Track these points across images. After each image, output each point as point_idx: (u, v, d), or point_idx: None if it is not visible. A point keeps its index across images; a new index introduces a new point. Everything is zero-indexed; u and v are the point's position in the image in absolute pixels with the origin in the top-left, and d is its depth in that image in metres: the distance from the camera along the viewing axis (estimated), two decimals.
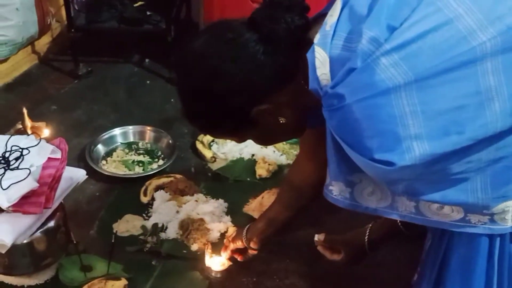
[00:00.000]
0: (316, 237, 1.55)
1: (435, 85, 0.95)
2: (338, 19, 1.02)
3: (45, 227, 1.65)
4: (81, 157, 2.22)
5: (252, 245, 1.66)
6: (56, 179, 1.64)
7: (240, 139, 1.25)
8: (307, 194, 1.53)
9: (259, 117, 1.14)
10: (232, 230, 1.87)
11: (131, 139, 2.33)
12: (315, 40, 1.02)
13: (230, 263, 1.75)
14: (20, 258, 1.66)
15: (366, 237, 1.48)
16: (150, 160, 2.23)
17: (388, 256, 1.71)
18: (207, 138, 2.29)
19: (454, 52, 0.94)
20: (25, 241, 1.62)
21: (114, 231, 1.84)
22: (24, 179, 1.58)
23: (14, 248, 1.60)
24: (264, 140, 1.27)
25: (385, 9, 0.97)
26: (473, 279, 1.15)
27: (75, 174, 1.76)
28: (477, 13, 0.95)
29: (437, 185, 1.05)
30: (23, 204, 1.56)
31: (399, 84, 0.94)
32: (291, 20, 1.09)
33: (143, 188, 2.05)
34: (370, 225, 1.49)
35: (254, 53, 1.09)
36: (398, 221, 1.41)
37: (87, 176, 1.81)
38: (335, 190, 1.11)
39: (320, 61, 1.00)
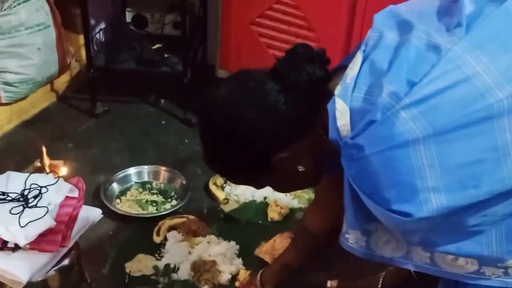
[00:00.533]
0: (329, 284, 1.55)
1: (452, 139, 0.96)
2: (358, 72, 1.04)
3: (59, 265, 1.66)
4: (96, 195, 2.23)
5: None
6: (73, 218, 1.66)
7: (259, 185, 1.27)
8: (322, 241, 1.54)
9: (279, 164, 1.16)
10: (243, 273, 1.87)
11: (146, 178, 2.35)
12: (336, 92, 1.05)
13: None
14: None
15: (379, 286, 1.48)
16: (164, 200, 2.25)
17: None
18: (220, 179, 2.31)
19: (472, 108, 0.96)
20: (39, 279, 1.63)
21: (128, 271, 1.85)
22: (42, 217, 1.59)
23: (28, 286, 1.60)
24: (282, 187, 1.28)
25: (405, 65, 1.00)
26: None
27: (91, 213, 1.77)
28: (494, 71, 0.98)
29: (453, 237, 1.06)
30: (40, 242, 1.57)
31: (418, 137, 0.96)
32: (312, 72, 1.12)
33: (156, 228, 2.06)
34: (384, 273, 1.49)
35: (275, 102, 1.12)
36: (412, 270, 1.41)
37: (102, 216, 1.83)
38: (351, 239, 1.12)
39: (341, 112, 1.02)
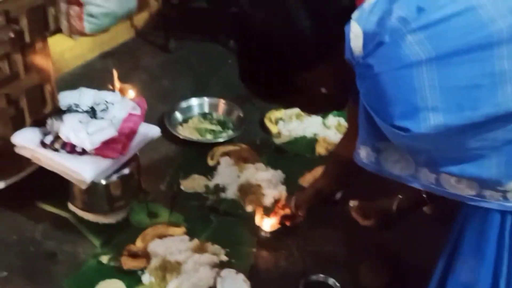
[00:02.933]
0: (351, 203, 1.67)
1: (454, 63, 1.04)
2: None
3: (120, 173, 1.88)
4: (160, 121, 2.43)
5: (299, 212, 1.80)
6: (133, 131, 1.86)
7: (286, 104, 1.39)
8: (352, 168, 1.64)
9: (303, 85, 1.27)
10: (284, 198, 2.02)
11: (206, 110, 2.54)
12: (353, 16, 1.15)
13: (279, 226, 1.89)
14: (98, 197, 1.89)
15: (394, 206, 1.58)
16: (221, 129, 2.43)
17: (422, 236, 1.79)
18: (275, 115, 2.45)
19: (474, 36, 1.04)
20: (103, 183, 1.85)
21: (179, 183, 2.03)
22: (106, 127, 1.80)
23: (94, 187, 1.83)
24: (307, 108, 1.39)
25: None
26: (485, 252, 1.23)
27: (151, 130, 1.97)
28: (499, 3, 1.04)
29: (456, 159, 1.15)
30: (103, 149, 1.78)
31: (421, 59, 1.05)
32: (339, 1, 1.21)
33: (211, 153, 2.25)
34: (400, 196, 1.59)
35: (303, 28, 1.22)
36: (423, 193, 1.50)
37: (161, 134, 2.02)
38: (362, 154, 1.23)
39: (355, 34, 1.12)
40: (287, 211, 1.84)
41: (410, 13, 1.07)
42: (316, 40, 1.22)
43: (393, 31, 1.07)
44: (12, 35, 1.77)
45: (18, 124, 1.94)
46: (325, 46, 1.23)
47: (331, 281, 1.61)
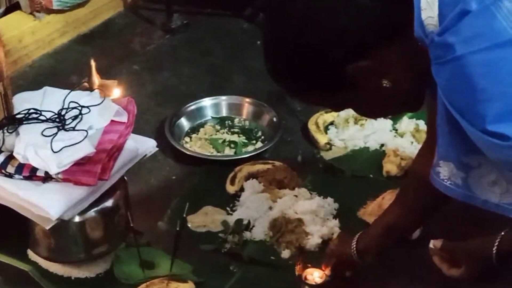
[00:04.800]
0: (431, 244, 1.63)
1: None
2: None
3: (100, 206, 1.88)
4: (159, 131, 2.44)
5: (365, 258, 1.76)
6: (118, 146, 1.86)
7: (336, 105, 1.37)
8: (438, 194, 1.61)
9: (358, 76, 1.24)
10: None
11: (225, 113, 2.54)
12: None
13: (328, 278, 1.86)
14: (69, 241, 1.89)
15: (495, 248, 1.54)
16: (246, 141, 2.43)
17: None
18: (324, 119, 2.43)
19: None
20: (76, 220, 1.85)
21: (185, 220, 2.02)
22: (79, 142, 1.80)
23: (63, 227, 1.84)
24: (365, 109, 1.37)
25: None
26: None
27: (143, 144, 1.97)
28: None
29: None
30: (75, 172, 1.78)
31: None
32: None
33: (231, 175, 2.23)
34: (502, 233, 1.55)
35: None
36: None
37: (158, 149, 2.01)
38: (443, 173, 1.20)
39: (427, 1, 1.09)
40: (346, 258, 1.80)
41: None
42: (374, 11, 1.20)
43: None
44: None
45: None
46: (387, 19, 1.21)
47: None
